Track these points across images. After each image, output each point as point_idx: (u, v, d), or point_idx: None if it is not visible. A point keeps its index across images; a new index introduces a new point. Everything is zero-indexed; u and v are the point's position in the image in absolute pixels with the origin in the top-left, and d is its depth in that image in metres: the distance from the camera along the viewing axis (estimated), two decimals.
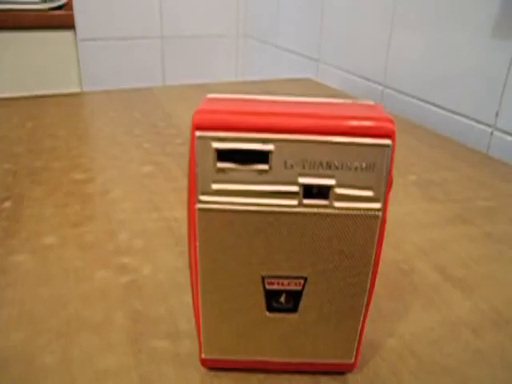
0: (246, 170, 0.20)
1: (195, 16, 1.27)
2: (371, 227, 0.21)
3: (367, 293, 0.22)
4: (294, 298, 0.22)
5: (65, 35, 1.15)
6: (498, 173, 0.52)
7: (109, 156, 0.54)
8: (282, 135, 0.19)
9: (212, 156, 0.20)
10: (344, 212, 0.20)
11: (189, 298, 0.31)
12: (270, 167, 0.20)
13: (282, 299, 0.22)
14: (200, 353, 0.25)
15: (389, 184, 0.20)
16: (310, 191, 0.20)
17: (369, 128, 0.19)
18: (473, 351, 0.27)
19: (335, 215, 0.20)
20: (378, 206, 0.20)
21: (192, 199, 0.20)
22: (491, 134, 0.61)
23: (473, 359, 0.27)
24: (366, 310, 0.23)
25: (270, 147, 0.19)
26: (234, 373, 0.25)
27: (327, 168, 0.20)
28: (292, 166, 0.20)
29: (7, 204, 0.42)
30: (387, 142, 0.19)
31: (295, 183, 0.20)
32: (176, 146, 0.57)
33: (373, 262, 0.22)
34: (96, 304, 0.30)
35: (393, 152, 0.19)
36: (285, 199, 0.20)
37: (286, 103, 0.21)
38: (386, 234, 0.39)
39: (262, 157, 0.20)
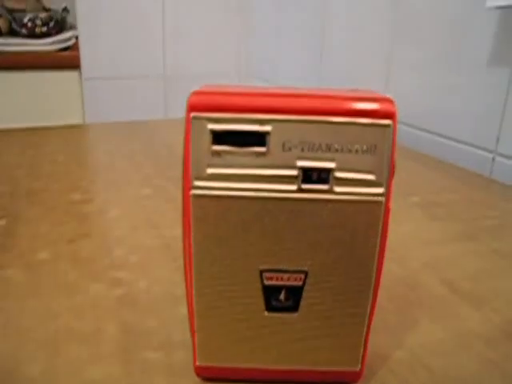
0: (243, 152, 0.19)
1: (197, 56, 1.30)
2: (374, 214, 0.20)
3: (372, 290, 0.21)
4: (295, 294, 0.21)
5: (70, 75, 1.18)
6: (502, 194, 0.51)
7: (108, 179, 0.53)
8: (280, 116, 0.19)
9: (207, 138, 0.19)
10: (345, 197, 0.19)
11: (184, 310, 0.29)
12: (268, 150, 0.19)
13: (282, 296, 0.21)
14: (194, 360, 0.23)
15: (391, 169, 0.19)
16: (309, 177, 0.19)
17: (368, 108, 0.19)
18: (486, 362, 0.26)
19: (336, 201, 0.19)
20: (380, 190, 0.19)
21: (186, 185, 0.20)
22: (493, 159, 0.61)
23: (486, 370, 0.25)
24: (372, 309, 0.22)
25: (267, 128, 0.19)
26: None
27: (327, 150, 0.19)
28: (290, 149, 0.19)
29: (1, 222, 0.41)
30: (387, 122, 0.19)
31: (294, 167, 0.19)
32: (177, 171, 0.57)
33: (377, 254, 0.20)
34: (87, 316, 0.29)
35: (394, 133, 0.19)
36: (283, 184, 0.19)
37: (284, 88, 0.20)
38: (388, 250, 0.38)
39: (259, 139, 0.19)
